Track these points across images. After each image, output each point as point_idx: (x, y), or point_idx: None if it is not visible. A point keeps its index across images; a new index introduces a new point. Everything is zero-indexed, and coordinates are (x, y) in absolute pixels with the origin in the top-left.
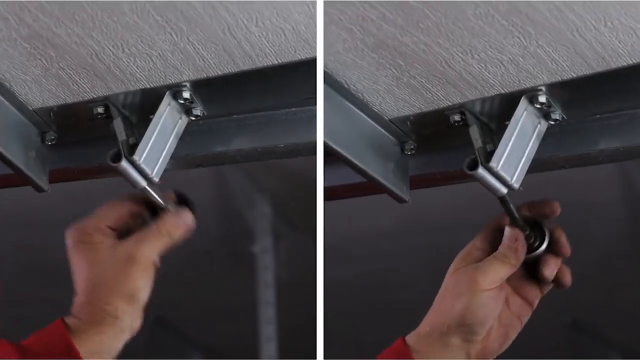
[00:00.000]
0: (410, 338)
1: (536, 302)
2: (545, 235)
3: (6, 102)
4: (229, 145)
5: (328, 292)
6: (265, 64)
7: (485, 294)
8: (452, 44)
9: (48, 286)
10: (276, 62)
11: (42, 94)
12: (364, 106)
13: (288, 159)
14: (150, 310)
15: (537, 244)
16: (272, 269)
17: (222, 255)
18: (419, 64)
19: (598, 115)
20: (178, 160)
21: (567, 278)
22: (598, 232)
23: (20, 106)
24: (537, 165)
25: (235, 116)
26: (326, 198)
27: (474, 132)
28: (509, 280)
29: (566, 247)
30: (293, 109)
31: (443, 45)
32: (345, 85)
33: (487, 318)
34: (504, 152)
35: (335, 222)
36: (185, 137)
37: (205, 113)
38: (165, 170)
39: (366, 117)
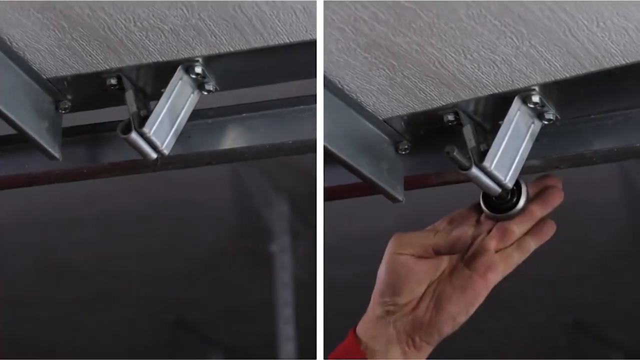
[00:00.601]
0: (359, 324)
1: (491, 277)
2: (522, 190)
3: (20, 71)
4: (237, 142)
5: (331, 292)
6: (276, 42)
7: (398, 258)
8: (444, 44)
9: (63, 286)
10: (287, 41)
11: (55, 64)
12: (357, 106)
13: (304, 157)
14: (171, 310)
15: (514, 199)
16: (290, 268)
17: (240, 255)
18: (412, 64)
19: (592, 116)
20: (187, 157)
21: (547, 230)
22: (597, 233)
23: (34, 75)
24: (531, 167)
25: (244, 114)
26: (330, 198)
27: (468, 132)
28: (461, 250)
29: (551, 197)
30: (301, 106)
31: (436, 46)
32: (339, 85)
33: (401, 284)
34: (497, 151)
35: (337, 222)
36: (193, 135)
37: (218, 88)
38: (177, 170)
39: (360, 117)
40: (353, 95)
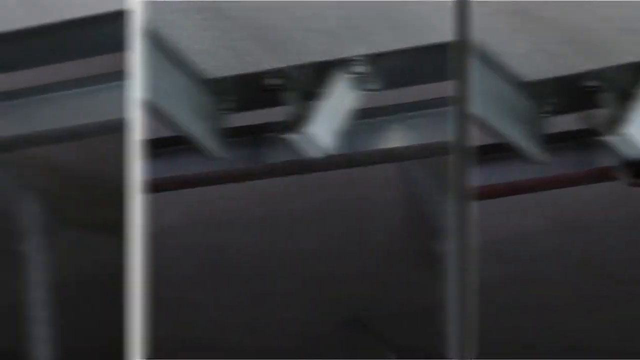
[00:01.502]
0: None
1: None
2: None
3: (181, 72)
4: (398, 142)
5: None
6: (435, 41)
7: None
8: (586, 13)
9: (233, 288)
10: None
11: (217, 64)
12: (500, 69)
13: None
14: (344, 310)
15: None
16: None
17: (411, 255)
18: (557, 30)
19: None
20: (350, 157)
21: None
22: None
23: (196, 76)
24: None
25: (407, 113)
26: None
27: (607, 100)
28: None
29: None
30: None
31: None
32: (482, 49)
33: None
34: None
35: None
36: (356, 134)
37: (380, 87)
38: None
39: (502, 81)
40: (495, 58)
